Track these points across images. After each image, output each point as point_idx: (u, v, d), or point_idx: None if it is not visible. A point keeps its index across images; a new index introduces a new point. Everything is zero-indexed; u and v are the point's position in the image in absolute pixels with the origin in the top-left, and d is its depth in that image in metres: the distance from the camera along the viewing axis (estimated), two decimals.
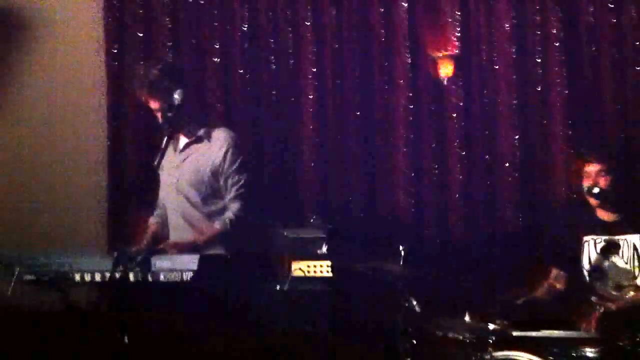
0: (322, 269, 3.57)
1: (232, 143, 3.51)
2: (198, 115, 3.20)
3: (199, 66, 4.44)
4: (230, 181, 3.50)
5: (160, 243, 3.46)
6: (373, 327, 3.77)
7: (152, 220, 3.73)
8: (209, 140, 3.54)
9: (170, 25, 4.46)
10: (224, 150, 3.50)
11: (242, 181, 3.49)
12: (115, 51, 4.45)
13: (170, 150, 3.58)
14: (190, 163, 3.54)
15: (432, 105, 4.31)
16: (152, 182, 3.64)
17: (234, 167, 3.49)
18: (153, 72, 3.49)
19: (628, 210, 3.42)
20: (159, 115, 3.48)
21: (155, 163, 3.52)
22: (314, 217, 4.05)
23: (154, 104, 3.49)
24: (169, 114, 3.26)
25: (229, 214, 3.47)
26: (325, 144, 4.38)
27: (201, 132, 3.55)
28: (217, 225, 3.47)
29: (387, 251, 3.31)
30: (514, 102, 4.23)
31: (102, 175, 4.44)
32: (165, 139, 3.28)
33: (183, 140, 3.60)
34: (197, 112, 3.11)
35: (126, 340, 2.91)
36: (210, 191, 3.51)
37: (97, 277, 3.09)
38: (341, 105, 4.39)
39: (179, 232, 3.55)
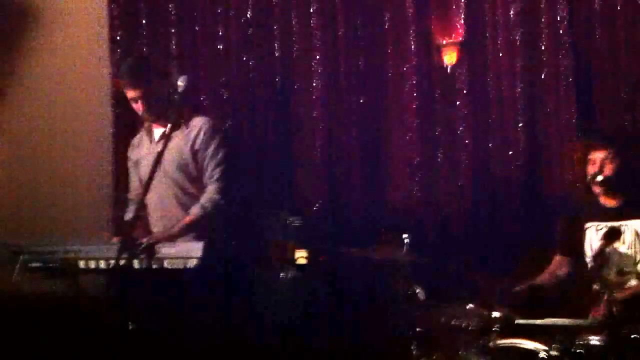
0: (324, 257, 3.58)
1: (209, 125, 3.53)
2: (174, 104, 3.21)
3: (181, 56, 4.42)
4: (208, 162, 3.50)
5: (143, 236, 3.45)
6: (378, 315, 3.78)
7: (127, 217, 3.72)
8: (186, 127, 3.55)
9: (174, 14, 4.45)
10: (202, 132, 3.51)
11: (220, 162, 3.49)
12: (119, 41, 4.44)
13: (145, 142, 3.61)
14: (172, 149, 3.52)
15: (436, 93, 4.31)
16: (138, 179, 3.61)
17: (212, 148, 3.50)
18: (128, 61, 3.52)
19: (630, 196, 3.41)
20: (134, 105, 3.50)
21: (129, 157, 3.60)
22: (318, 204, 4.08)
23: (130, 94, 3.50)
24: (176, 99, 3.26)
25: (204, 198, 3.46)
26: (328, 131, 4.38)
27: (178, 120, 3.55)
28: (194, 209, 3.46)
29: (392, 239, 3.31)
30: (519, 89, 4.21)
31: (107, 164, 4.44)
32: (143, 130, 3.32)
33: (158, 131, 3.60)
34: (175, 101, 3.11)
35: (131, 326, 2.93)
36: (196, 174, 3.52)
37: (102, 264, 3.11)
38: (345, 93, 4.38)
39: (169, 220, 3.53)
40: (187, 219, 3.44)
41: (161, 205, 3.58)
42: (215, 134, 3.53)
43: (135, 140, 3.74)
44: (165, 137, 3.30)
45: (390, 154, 4.37)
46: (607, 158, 3.37)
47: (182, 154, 3.52)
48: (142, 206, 3.67)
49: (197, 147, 3.50)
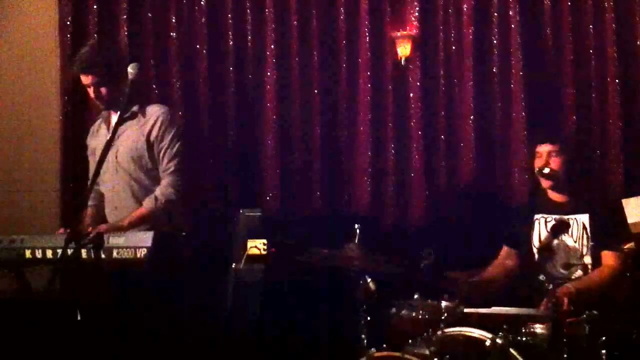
0: (276, 247, 3.58)
1: (166, 116, 3.47)
2: (132, 92, 3.17)
3: (158, 40, 4.39)
4: (163, 154, 3.45)
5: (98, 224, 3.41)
6: (329, 306, 3.80)
7: (88, 203, 3.64)
8: (143, 116, 3.49)
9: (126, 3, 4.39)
10: (158, 122, 3.45)
11: (175, 154, 3.44)
12: (69, 28, 4.36)
13: (102, 130, 3.56)
14: (127, 139, 3.48)
15: (391, 86, 4.34)
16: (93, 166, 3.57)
17: (168, 140, 3.44)
18: (83, 48, 3.47)
19: (578, 190, 3.48)
20: (90, 91, 3.45)
21: (88, 144, 3.53)
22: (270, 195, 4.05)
23: (85, 80, 3.43)
24: (126, 89, 3.22)
25: (158, 191, 3.41)
26: (286, 125, 4.37)
27: (135, 108, 3.51)
28: (147, 202, 3.41)
29: (345, 231, 3.33)
30: (471, 83, 4.27)
31: (55, 154, 4.37)
32: (100, 119, 3.25)
33: (115, 119, 3.51)
34: (131, 89, 3.07)
35: (79, 317, 2.89)
36: (150, 165, 3.46)
37: (49, 254, 3.06)
38: (303, 85, 4.38)
39: (122, 210, 3.47)
40: (139, 211, 3.39)
41: (115, 197, 3.52)
42: (172, 124, 3.47)
43: (94, 127, 3.65)
44: (115, 125, 3.24)
45: (347, 148, 4.38)
46: (553, 152, 3.44)
47: (136, 144, 3.46)
48: (96, 195, 3.65)
49: (152, 138, 3.45)
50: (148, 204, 3.39)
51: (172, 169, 3.43)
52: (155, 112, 3.50)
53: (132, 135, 3.48)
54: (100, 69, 3.38)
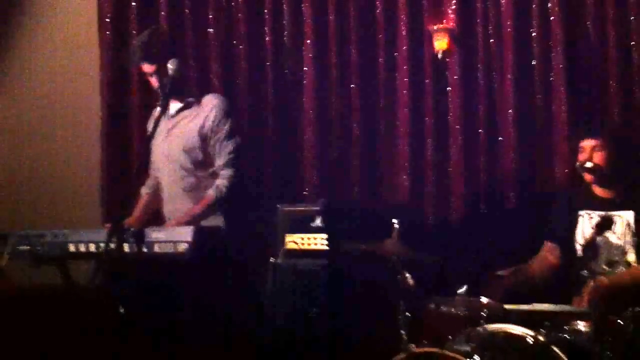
0: (316, 241, 3.57)
1: (222, 107, 3.44)
2: (190, 81, 3.16)
3: (197, 35, 4.41)
4: (220, 147, 3.43)
5: (153, 214, 3.45)
6: (367, 301, 3.79)
7: (143, 191, 3.69)
8: (198, 106, 3.48)
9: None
10: (213, 114, 3.42)
11: (233, 147, 3.42)
12: (108, 23, 4.41)
13: (163, 117, 3.53)
14: (181, 129, 3.48)
15: (429, 80, 4.30)
16: (145, 152, 3.59)
17: (224, 132, 3.42)
18: (144, 35, 3.46)
19: (623, 187, 3.42)
20: (151, 79, 3.45)
21: (149, 131, 3.51)
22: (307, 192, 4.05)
23: (147, 68, 3.42)
24: (164, 82, 3.23)
25: (220, 181, 3.41)
26: (325, 118, 4.36)
27: (191, 98, 3.51)
28: (210, 192, 3.41)
29: (383, 227, 3.32)
30: (511, 77, 4.21)
31: (96, 147, 4.43)
32: (160, 106, 3.25)
33: (174, 107, 3.52)
34: (190, 78, 3.06)
35: (122, 311, 2.93)
36: (202, 157, 3.45)
37: (92, 248, 3.09)
38: (341, 79, 4.36)
39: (174, 201, 3.50)
40: (203, 201, 3.37)
41: (167, 188, 3.53)
42: (227, 116, 3.42)
43: (155, 112, 3.62)
44: (155, 121, 3.20)
45: (386, 142, 4.36)
46: (597, 146, 3.39)
47: (189, 136, 3.43)
48: (152, 184, 3.63)
49: (205, 130, 3.41)
50: (215, 192, 3.37)
51: (229, 161, 3.39)
52: (210, 102, 3.46)
53: (185, 127, 3.46)
54: (163, 55, 3.30)
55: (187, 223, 3.23)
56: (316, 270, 3.57)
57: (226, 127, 3.43)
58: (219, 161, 3.43)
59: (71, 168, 4.53)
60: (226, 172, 3.42)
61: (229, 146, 3.42)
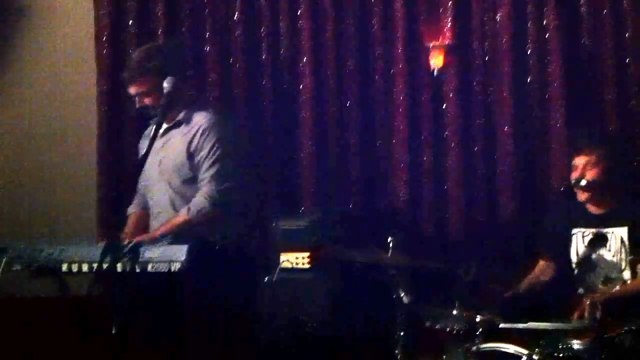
0: (310, 260, 3.57)
1: (209, 124, 3.41)
2: (181, 99, 3.14)
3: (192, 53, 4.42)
4: (203, 164, 3.40)
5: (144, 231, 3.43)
6: (362, 318, 3.78)
7: (130, 210, 3.68)
8: (187, 124, 3.49)
9: (163, 11, 4.43)
10: (200, 132, 3.41)
11: (217, 164, 3.38)
12: (105, 38, 4.42)
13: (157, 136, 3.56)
14: (170, 147, 3.48)
15: (425, 96, 4.31)
16: (136, 170, 3.58)
17: (207, 149, 3.39)
18: (141, 51, 3.47)
19: (616, 203, 3.41)
20: (146, 99, 3.43)
21: (144, 152, 3.52)
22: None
23: (142, 86, 3.42)
24: (160, 101, 3.23)
25: (197, 199, 3.37)
26: (321, 133, 4.37)
27: (181, 115, 3.51)
28: (182, 212, 3.38)
29: (379, 242, 3.31)
30: (507, 94, 4.21)
31: (92, 164, 4.42)
32: (154, 126, 3.24)
33: (164, 126, 3.50)
34: (182, 96, 3.05)
35: (114, 329, 2.92)
36: (191, 175, 3.45)
37: (85, 267, 3.09)
38: (338, 94, 4.37)
39: (162, 219, 3.47)
40: (172, 221, 3.38)
41: (157, 206, 3.53)
42: (213, 132, 3.39)
43: (147, 132, 3.62)
44: (151, 140, 3.18)
45: (383, 156, 4.36)
46: (590, 163, 3.38)
47: (178, 154, 3.44)
48: (140, 202, 3.62)
49: (192, 148, 3.41)
50: (182, 213, 3.38)
51: (207, 179, 3.39)
52: (198, 120, 3.46)
53: (174, 145, 3.47)
54: (151, 75, 3.31)
55: (152, 239, 3.21)
56: (311, 286, 3.56)
57: (210, 143, 3.41)
58: (199, 178, 3.41)
59: (68, 178, 4.53)
60: (201, 191, 3.38)
61: (209, 163, 3.39)
